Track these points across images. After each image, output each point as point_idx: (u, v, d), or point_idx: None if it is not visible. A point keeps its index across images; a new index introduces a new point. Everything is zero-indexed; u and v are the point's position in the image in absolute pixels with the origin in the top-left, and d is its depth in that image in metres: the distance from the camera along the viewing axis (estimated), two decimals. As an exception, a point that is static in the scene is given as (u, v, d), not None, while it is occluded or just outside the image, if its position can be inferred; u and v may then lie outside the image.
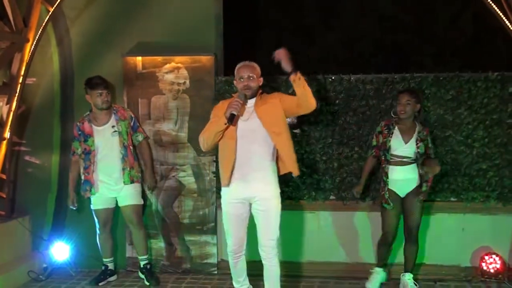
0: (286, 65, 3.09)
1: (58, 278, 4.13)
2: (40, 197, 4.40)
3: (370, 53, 5.40)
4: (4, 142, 4.17)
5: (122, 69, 4.23)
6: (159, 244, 4.24)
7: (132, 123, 3.99)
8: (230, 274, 3.98)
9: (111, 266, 4.06)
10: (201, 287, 3.95)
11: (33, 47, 4.15)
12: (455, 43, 5.29)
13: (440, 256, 4.00)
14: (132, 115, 4.04)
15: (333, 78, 4.06)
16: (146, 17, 4.23)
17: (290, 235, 4.11)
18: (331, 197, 4.11)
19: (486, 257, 3.87)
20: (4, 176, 4.25)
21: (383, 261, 3.79)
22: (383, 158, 3.67)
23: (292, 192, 4.13)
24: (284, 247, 4.11)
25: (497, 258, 3.84)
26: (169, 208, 4.24)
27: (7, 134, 4.17)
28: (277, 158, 3.22)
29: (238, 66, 3.24)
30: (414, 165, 3.60)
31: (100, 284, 3.96)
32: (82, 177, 3.95)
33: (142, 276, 4.01)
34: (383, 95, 4.00)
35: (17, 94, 4.15)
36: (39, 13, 4.17)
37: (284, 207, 4.08)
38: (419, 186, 3.59)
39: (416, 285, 3.72)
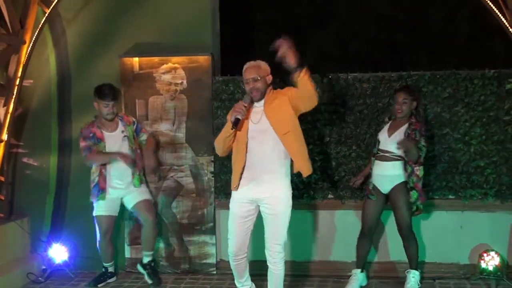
0: (291, 60, 2.90)
1: (57, 280, 4.12)
2: (39, 199, 4.39)
3: (366, 52, 5.39)
4: (2, 144, 4.16)
5: (119, 70, 4.23)
6: (157, 245, 4.22)
7: (135, 127, 3.97)
8: (229, 274, 3.98)
9: (111, 269, 4.05)
10: (200, 287, 3.94)
11: (29, 48, 4.14)
12: (452, 42, 5.28)
13: (439, 254, 4.00)
14: (135, 120, 4.03)
15: (330, 76, 4.05)
16: (142, 17, 4.23)
17: (289, 234, 4.07)
18: (329, 196, 4.11)
19: (485, 255, 3.86)
20: (2, 178, 4.24)
21: (362, 261, 3.76)
22: (373, 153, 3.70)
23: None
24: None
25: (495, 255, 3.84)
26: (167, 209, 4.23)
27: (4, 136, 4.16)
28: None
29: (244, 67, 3.14)
30: (399, 162, 3.56)
31: (99, 285, 3.95)
32: (93, 178, 3.88)
33: (143, 271, 3.96)
34: (380, 93, 4.00)
35: (14, 96, 4.14)
36: (36, 14, 4.16)
37: None
38: (405, 183, 3.54)
39: (418, 284, 3.68)
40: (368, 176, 3.76)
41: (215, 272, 4.19)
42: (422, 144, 3.52)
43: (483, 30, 5.06)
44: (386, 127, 3.67)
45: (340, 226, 4.11)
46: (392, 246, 4.02)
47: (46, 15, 4.11)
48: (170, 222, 4.22)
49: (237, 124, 3.03)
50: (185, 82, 4.18)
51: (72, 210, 4.37)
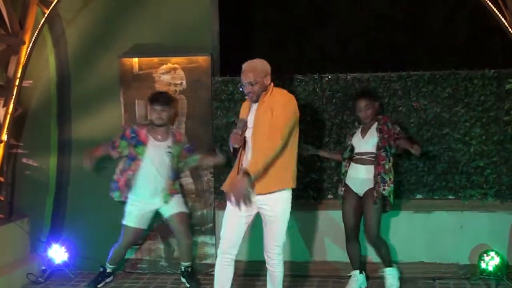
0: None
1: (57, 280, 4.12)
2: (38, 200, 4.39)
3: (365, 52, 5.40)
4: (1, 145, 4.16)
5: (119, 70, 4.22)
6: (157, 245, 4.23)
7: (185, 148, 3.89)
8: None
9: (109, 269, 4.04)
10: (200, 288, 3.95)
11: (29, 49, 4.14)
12: (451, 42, 5.28)
13: (439, 254, 3.99)
14: (186, 141, 3.93)
15: (329, 77, 4.05)
16: (142, 18, 4.23)
17: (288, 234, 4.06)
18: (329, 196, 4.10)
19: (484, 255, 3.86)
20: (2, 179, 4.24)
21: (357, 262, 3.76)
22: (343, 157, 3.71)
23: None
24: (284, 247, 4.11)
25: (495, 255, 3.83)
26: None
27: (4, 137, 4.16)
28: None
29: (243, 68, 3.06)
30: (371, 167, 3.57)
31: (98, 286, 3.94)
32: (114, 177, 3.87)
33: (183, 280, 3.95)
34: (380, 93, 3.99)
35: (13, 97, 4.14)
36: (35, 15, 4.16)
37: None
38: (373, 188, 3.54)
39: (398, 280, 3.69)
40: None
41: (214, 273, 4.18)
42: (398, 129, 3.59)
43: (483, 30, 5.07)
44: (358, 131, 3.70)
45: (340, 226, 4.06)
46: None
47: (46, 15, 4.10)
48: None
49: (237, 152, 3.05)
50: (184, 82, 4.18)
51: (72, 210, 4.36)
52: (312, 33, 5.46)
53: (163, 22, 4.20)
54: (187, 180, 4.19)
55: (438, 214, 3.99)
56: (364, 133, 3.66)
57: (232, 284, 3.14)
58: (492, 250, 3.86)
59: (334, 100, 4.06)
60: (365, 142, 3.62)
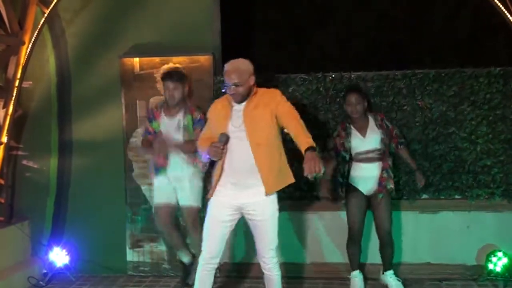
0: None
1: (58, 283, 4.10)
2: (39, 202, 4.37)
3: (367, 51, 5.37)
4: (1, 147, 4.14)
5: (119, 70, 4.20)
6: (159, 248, 4.20)
7: (195, 121, 3.65)
8: (232, 276, 3.96)
9: (185, 259, 3.81)
10: (203, 290, 3.91)
11: (29, 49, 4.12)
12: (453, 40, 5.25)
13: (445, 255, 3.97)
14: (201, 115, 3.62)
15: (333, 76, 4.03)
16: (142, 17, 4.21)
17: (291, 236, 4.10)
18: (334, 196, 4.07)
19: (492, 256, 3.83)
20: (2, 181, 4.23)
21: (357, 263, 3.73)
22: (342, 159, 3.66)
23: (293, 192, 4.08)
24: (286, 249, 4.08)
25: (503, 256, 3.80)
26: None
27: (4, 139, 4.15)
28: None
29: (226, 68, 2.95)
30: (378, 164, 3.57)
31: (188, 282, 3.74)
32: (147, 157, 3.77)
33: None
34: (385, 92, 3.98)
35: (13, 98, 4.13)
36: (35, 15, 4.15)
37: (285, 208, 4.08)
38: (383, 184, 3.55)
39: (399, 280, 3.69)
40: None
41: (218, 275, 4.14)
42: (397, 132, 3.66)
43: (485, 28, 5.04)
44: (354, 131, 3.63)
45: (344, 228, 3.98)
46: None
47: (45, 15, 4.09)
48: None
49: (215, 165, 3.00)
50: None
51: (73, 212, 4.34)
52: (313, 32, 5.44)
53: (164, 21, 4.18)
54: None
55: (444, 214, 3.97)
56: (363, 131, 3.61)
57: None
58: (500, 251, 3.83)
59: (337, 100, 4.02)
60: (368, 141, 3.59)
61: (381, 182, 3.56)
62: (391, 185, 3.58)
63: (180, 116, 3.66)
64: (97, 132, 4.24)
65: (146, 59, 4.17)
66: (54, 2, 4.05)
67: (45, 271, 4.19)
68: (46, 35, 4.32)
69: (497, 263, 3.79)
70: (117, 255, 4.20)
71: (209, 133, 3.09)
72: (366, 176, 3.58)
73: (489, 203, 3.92)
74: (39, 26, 4.10)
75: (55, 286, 4.06)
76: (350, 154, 3.64)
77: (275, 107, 2.93)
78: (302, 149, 2.77)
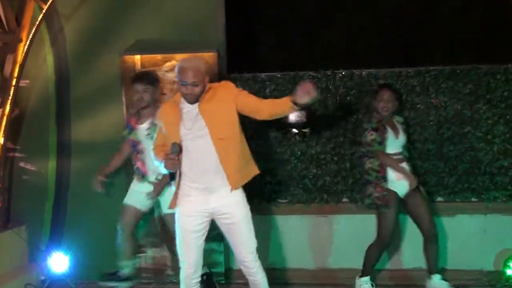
0: (304, 99, 2.71)
1: (57, 290, 4.08)
2: (37, 206, 4.32)
3: (376, 47, 5.33)
4: (-2, 148, 4.12)
5: (120, 68, 4.15)
6: (162, 253, 4.16)
7: None
8: (239, 283, 3.92)
9: (126, 270, 3.87)
10: (208, 298, 3.88)
11: (26, 47, 4.08)
12: (466, 35, 5.21)
13: (462, 261, 3.94)
14: None
15: (343, 73, 4.02)
16: (144, 13, 4.16)
17: (301, 240, 4.11)
18: (344, 199, 4.06)
19: (510, 261, 3.78)
20: (-2, 184, 4.21)
21: (372, 269, 3.69)
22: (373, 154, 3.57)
23: (303, 195, 4.07)
24: (296, 254, 4.08)
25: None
26: (171, 214, 4.15)
27: (0, 140, 4.12)
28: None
29: (181, 65, 2.86)
30: (405, 163, 3.58)
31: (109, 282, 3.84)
32: (133, 161, 3.78)
33: None
34: (397, 90, 3.91)
35: (10, 97, 4.08)
36: (32, 11, 4.11)
37: (295, 212, 4.09)
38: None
39: (451, 285, 3.63)
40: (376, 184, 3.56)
41: (223, 281, 4.12)
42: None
43: (502, 21, 4.99)
44: (389, 130, 3.57)
45: (356, 232, 4.04)
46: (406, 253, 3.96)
47: (44, 11, 4.06)
48: (175, 229, 4.15)
49: (174, 176, 2.90)
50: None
51: (73, 216, 4.31)
52: (320, 28, 5.41)
53: (167, 17, 4.14)
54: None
55: (460, 218, 3.95)
56: (395, 132, 3.58)
57: None
58: (519, 255, 3.80)
59: (348, 98, 4.01)
60: (399, 143, 3.58)
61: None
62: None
63: (149, 124, 3.62)
64: (97, 132, 4.20)
65: (148, 57, 4.12)
66: (52, -3, 4.03)
67: (43, 277, 4.16)
68: (43, 32, 4.27)
69: (517, 269, 3.75)
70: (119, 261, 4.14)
71: (163, 140, 2.99)
72: (401, 179, 3.52)
73: (506, 205, 3.89)
74: (37, 23, 4.05)
75: (54, 293, 4.04)
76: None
77: (234, 98, 2.90)
78: (287, 101, 2.78)
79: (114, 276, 3.90)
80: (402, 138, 3.60)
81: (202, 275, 3.70)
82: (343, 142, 4.02)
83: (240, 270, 4.10)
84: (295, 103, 2.74)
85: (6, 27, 3.99)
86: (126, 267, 3.89)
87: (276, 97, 4.02)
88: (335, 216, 4.07)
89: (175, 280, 4.14)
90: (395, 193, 3.53)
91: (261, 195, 4.08)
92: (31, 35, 4.07)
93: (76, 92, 4.30)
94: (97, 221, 4.17)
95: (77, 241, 4.22)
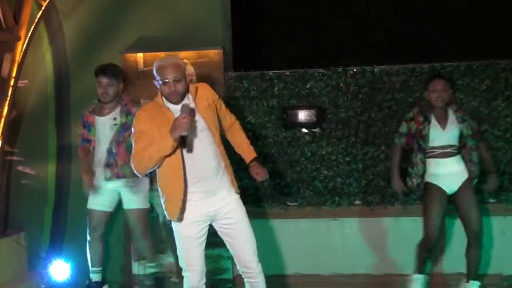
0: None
1: (58, 299, 4.04)
2: (36, 211, 4.32)
3: (387, 43, 5.32)
4: (-5, 152, 4.10)
5: (122, 67, 4.10)
6: (168, 260, 4.11)
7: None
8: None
9: (96, 277, 3.88)
10: (216, 306, 3.85)
11: (25, 46, 4.07)
12: (484, 29, 5.18)
13: (480, 264, 3.89)
14: None
15: (354, 70, 4.01)
16: (146, 9, 4.18)
17: (311, 245, 4.07)
18: (356, 202, 4.03)
19: (531, 264, 3.76)
20: (-4, 189, 4.19)
21: (423, 267, 3.62)
22: (417, 148, 3.50)
23: (313, 198, 4.04)
24: (306, 258, 4.06)
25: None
26: None
27: (-3, 143, 4.10)
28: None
29: (159, 64, 2.81)
30: (459, 156, 3.47)
31: None
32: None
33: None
34: (411, 87, 3.95)
35: (8, 98, 4.06)
36: (31, 8, 4.09)
37: (306, 215, 4.06)
38: (469, 179, 3.46)
39: None
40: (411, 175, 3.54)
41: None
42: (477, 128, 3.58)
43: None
44: (433, 121, 3.49)
45: (369, 235, 4.01)
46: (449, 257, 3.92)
47: (43, 8, 4.04)
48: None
49: (185, 141, 2.77)
50: (194, 79, 4.08)
51: (73, 223, 4.28)
52: (327, 24, 5.40)
53: (170, 13, 4.15)
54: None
55: (478, 220, 3.89)
56: (442, 123, 3.47)
57: None
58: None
59: (360, 96, 3.99)
60: (447, 135, 3.46)
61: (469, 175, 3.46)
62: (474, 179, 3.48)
63: (115, 114, 3.67)
64: (98, 134, 4.19)
65: (150, 55, 4.10)
66: (51, -6, 4.02)
67: (43, 286, 4.12)
68: (42, 30, 4.27)
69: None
70: (122, 268, 4.14)
71: (147, 143, 2.81)
72: (449, 173, 3.45)
73: (526, 207, 3.85)
74: (36, 20, 4.05)
75: (55, 303, 4.01)
76: (419, 146, 3.50)
77: (217, 103, 2.96)
78: (248, 157, 3.03)
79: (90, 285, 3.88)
80: (452, 130, 3.45)
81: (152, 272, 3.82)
82: (355, 142, 3.99)
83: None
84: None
85: (4, 25, 3.97)
86: (96, 274, 3.88)
87: (284, 96, 4.07)
88: (347, 219, 4.03)
89: (181, 288, 4.12)
90: (439, 187, 3.46)
91: (270, 198, 4.06)
92: (30, 33, 4.06)
93: (76, 92, 4.29)
94: (99, 227, 4.14)
95: (78, 248, 4.15)
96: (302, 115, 4.02)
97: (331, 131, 4.02)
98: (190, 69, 4.11)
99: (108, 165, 3.66)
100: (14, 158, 4.36)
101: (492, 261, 3.88)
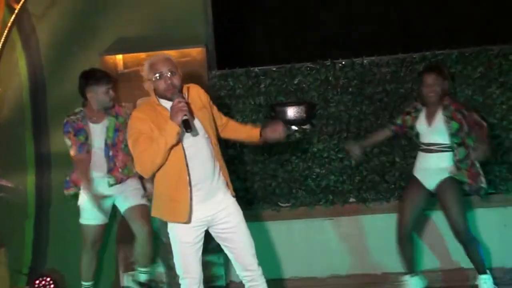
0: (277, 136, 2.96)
1: (43, 317, 4.00)
2: (16, 225, 4.28)
3: (375, 32, 5.32)
4: (-30, 164, 4.05)
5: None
6: (157, 269, 4.09)
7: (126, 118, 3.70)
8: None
9: None
10: (209, 315, 3.83)
11: (-3, 51, 4.04)
12: (475, 14, 5.20)
13: (481, 258, 3.88)
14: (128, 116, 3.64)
15: (343, 63, 4.03)
16: (124, 9, 4.19)
17: (306, 246, 4.08)
18: (351, 199, 4.04)
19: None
20: (-28, 204, 4.14)
21: (411, 266, 3.65)
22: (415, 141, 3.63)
23: (306, 197, 4.04)
24: (301, 261, 4.05)
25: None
26: (166, 225, 4.08)
27: (-28, 155, 4.05)
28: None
29: (150, 61, 2.83)
30: (446, 154, 3.48)
31: None
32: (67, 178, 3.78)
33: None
34: (402, 78, 3.97)
35: (-19, 108, 4.03)
36: (3, 12, 4.09)
37: (299, 216, 4.05)
38: (452, 177, 3.46)
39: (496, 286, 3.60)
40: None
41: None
42: (477, 117, 3.50)
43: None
44: (422, 115, 3.56)
45: (365, 233, 4.02)
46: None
47: (16, 11, 4.03)
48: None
49: (189, 125, 2.71)
50: (178, 79, 4.09)
51: (56, 235, 4.26)
52: (313, 15, 5.40)
53: (149, 12, 4.16)
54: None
55: (477, 212, 3.90)
56: (429, 119, 3.52)
57: None
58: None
59: (350, 89, 4.00)
60: (432, 132, 3.51)
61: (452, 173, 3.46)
62: (465, 178, 3.45)
63: (108, 118, 3.69)
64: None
65: (130, 56, 4.13)
66: (24, -3, 3.98)
67: (26, 304, 4.10)
68: (14, 35, 4.23)
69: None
70: (109, 281, 4.13)
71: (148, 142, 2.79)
72: (434, 168, 3.48)
73: (528, 196, 3.87)
74: (9, 24, 4.06)
75: (39, 321, 3.96)
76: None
77: (209, 104, 2.96)
78: (256, 131, 3.02)
79: None
80: (438, 127, 3.48)
81: (149, 282, 3.84)
82: (346, 138, 3.99)
83: (241, 283, 4.06)
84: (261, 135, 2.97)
85: (-27, 30, 3.92)
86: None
87: (272, 93, 4.06)
88: (342, 218, 4.03)
89: (171, 298, 4.09)
90: (417, 180, 3.54)
91: (261, 200, 4.05)
92: (3, 38, 4.05)
93: (53, 98, 4.27)
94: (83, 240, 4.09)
95: (62, 263, 4.19)
96: (291, 112, 4.01)
97: (322, 127, 4.03)
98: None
99: (110, 170, 3.67)
100: (-10, 170, 4.33)
101: (494, 254, 3.89)
